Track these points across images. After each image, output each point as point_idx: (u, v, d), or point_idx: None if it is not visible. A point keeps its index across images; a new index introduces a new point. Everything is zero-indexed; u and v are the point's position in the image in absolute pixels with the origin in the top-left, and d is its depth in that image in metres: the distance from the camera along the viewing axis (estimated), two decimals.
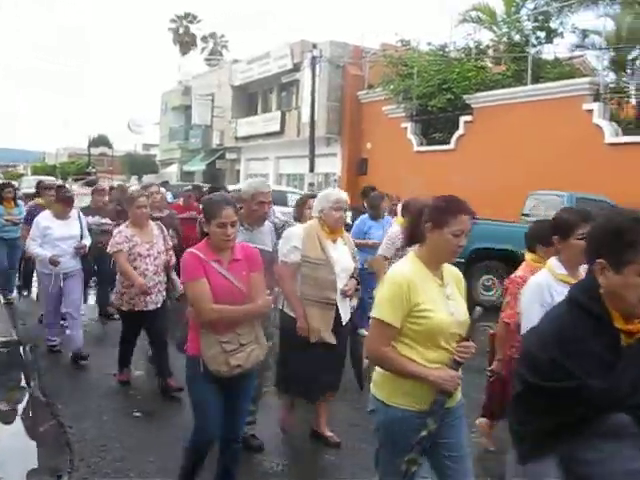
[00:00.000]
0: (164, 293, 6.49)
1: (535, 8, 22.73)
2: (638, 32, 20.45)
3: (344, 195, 5.31)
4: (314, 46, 26.44)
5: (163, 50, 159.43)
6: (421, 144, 23.66)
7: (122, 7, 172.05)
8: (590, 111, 17.63)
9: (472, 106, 21.26)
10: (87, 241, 7.65)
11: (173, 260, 6.47)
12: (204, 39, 62.07)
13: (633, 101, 19.16)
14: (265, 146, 33.02)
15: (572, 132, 17.48)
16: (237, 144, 35.79)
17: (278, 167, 33.67)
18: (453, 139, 21.95)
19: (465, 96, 21.24)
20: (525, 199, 14.55)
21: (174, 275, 6.47)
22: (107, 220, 9.15)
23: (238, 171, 37.01)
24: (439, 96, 21.82)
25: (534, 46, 22.01)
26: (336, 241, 5.16)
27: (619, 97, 19.51)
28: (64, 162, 66.91)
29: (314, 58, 25.98)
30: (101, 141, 65.41)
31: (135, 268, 6.16)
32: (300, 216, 6.55)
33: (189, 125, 40.48)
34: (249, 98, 36.52)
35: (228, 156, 37.39)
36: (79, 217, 7.69)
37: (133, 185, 15.99)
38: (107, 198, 9.97)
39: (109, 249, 6.31)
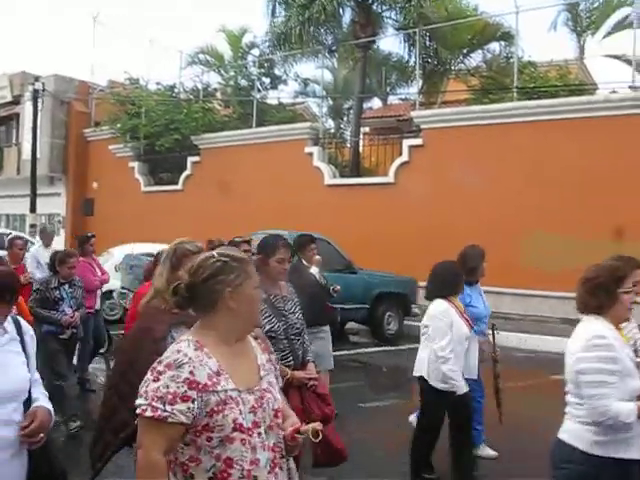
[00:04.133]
0: None
1: (261, 55, 23.54)
2: (352, 84, 22.01)
3: None
4: (36, 79, 24.92)
5: None
6: (149, 184, 23.24)
7: None
8: (311, 154, 18.52)
9: (200, 147, 21.36)
10: None
11: None
12: None
13: (348, 145, 20.46)
14: None
15: (295, 174, 18.20)
16: None
17: None
18: (181, 179, 21.84)
19: (193, 137, 21.28)
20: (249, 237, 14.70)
21: None
22: None
23: None
24: (167, 136, 21.62)
25: (259, 91, 22.76)
26: None
27: (337, 142, 20.78)
28: None
29: (36, 91, 24.46)
30: None
31: None
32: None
33: None
34: None
35: None
36: None
37: None
38: None
39: None
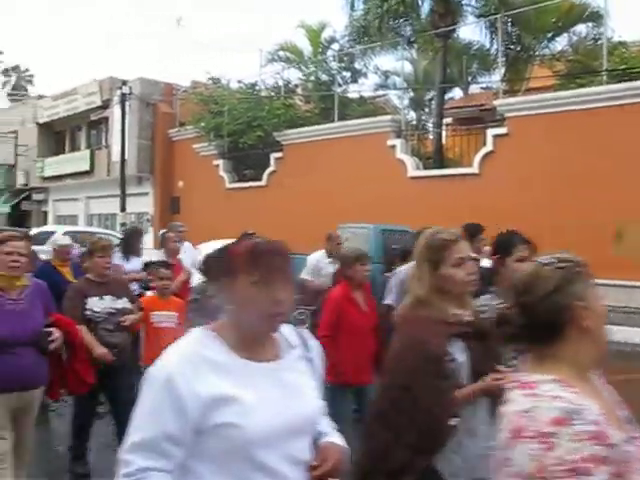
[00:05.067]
0: None
1: (341, 49, 23.61)
2: (432, 75, 21.79)
3: None
4: (124, 83, 25.75)
5: None
6: (233, 181, 23.64)
7: None
8: (393, 146, 18.44)
9: (282, 143, 21.57)
10: None
11: None
12: (6, 72, 58.89)
13: (431, 137, 20.28)
14: (74, 186, 31.56)
15: (378, 167, 18.16)
16: (44, 184, 33.97)
17: (88, 208, 32.27)
18: (264, 175, 22.11)
19: (275, 133, 21.51)
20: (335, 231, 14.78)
21: None
22: None
23: (46, 213, 35.12)
24: (250, 133, 21.94)
25: (340, 85, 22.80)
26: None
27: (419, 133, 20.62)
28: None
29: (124, 95, 25.27)
30: None
31: None
32: None
33: None
34: (56, 136, 34.85)
35: (35, 197, 35.37)
36: None
37: None
38: None
39: None
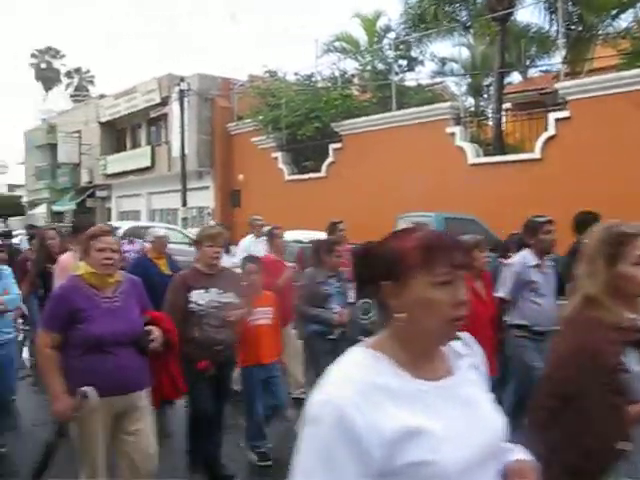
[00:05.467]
0: None
1: (396, 38, 23.46)
2: (490, 60, 21.47)
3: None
4: (182, 79, 26.15)
5: (25, 86, 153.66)
6: (292, 173, 23.77)
7: None
8: (452, 134, 18.26)
9: (340, 133, 21.58)
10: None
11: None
12: (69, 74, 60.41)
13: (491, 124, 20.01)
14: (136, 182, 32.22)
15: (437, 155, 18.04)
16: (107, 181, 34.79)
17: (150, 203, 32.92)
18: (324, 167, 22.17)
19: (333, 124, 21.54)
20: (395, 222, 14.78)
21: None
22: None
23: (109, 209, 35.95)
24: (307, 125, 22.02)
25: (397, 74, 22.67)
26: None
27: (478, 120, 20.37)
28: None
29: (182, 91, 25.68)
30: None
31: None
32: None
33: (56, 164, 39.00)
34: (117, 134, 35.63)
35: (98, 194, 36.27)
36: None
37: None
38: None
39: None
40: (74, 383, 3.62)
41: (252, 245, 9.60)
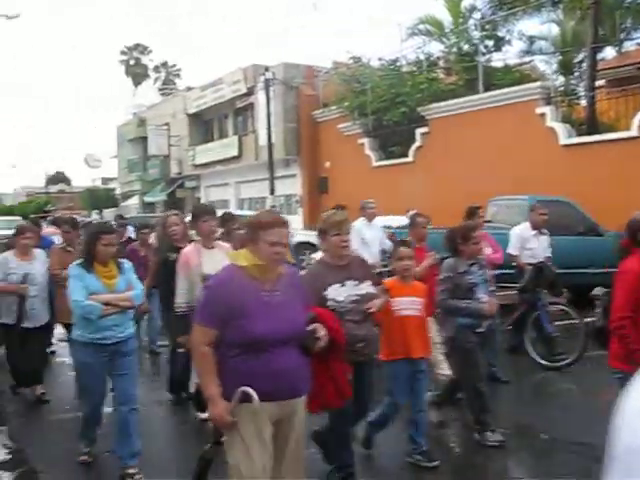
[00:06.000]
0: None
1: (482, 18, 23.02)
2: (582, 36, 20.78)
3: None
4: (266, 69, 26.49)
5: (115, 82, 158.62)
6: (380, 159, 23.72)
7: (69, 42, 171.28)
8: (543, 114, 17.82)
9: (427, 118, 21.37)
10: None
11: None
12: (156, 69, 62.08)
13: (583, 102, 19.39)
14: (224, 172, 32.87)
15: (528, 136, 17.65)
16: (196, 172, 35.61)
17: (239, 192, 33.55)
18: (411, 151, 22.01)
19: (419, 108, 21.35)
20: (486, 206, 14.57)
21: None
22: None
23: (199, 199, 36.74)
24: (394, 110, 21.93)
25: (483, 55, 22.23)
26: None
27: (569, 99, 19.78)
28: (22, 202, 65.92)
29: (267, 81, 26.00)
30: (58, 178, 64.81)
31: None
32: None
33: (147, 156, 40.20)
34: (205, 125, 36.40)
35: (188, 184, 37.23)
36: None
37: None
38: None
39: None
40: (230, 386, 3.26)
41: (364, 229, 9.49)
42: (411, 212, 8.44)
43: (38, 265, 7.01)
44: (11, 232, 7.44)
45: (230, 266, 3.49)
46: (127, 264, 5.34)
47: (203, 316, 3.40)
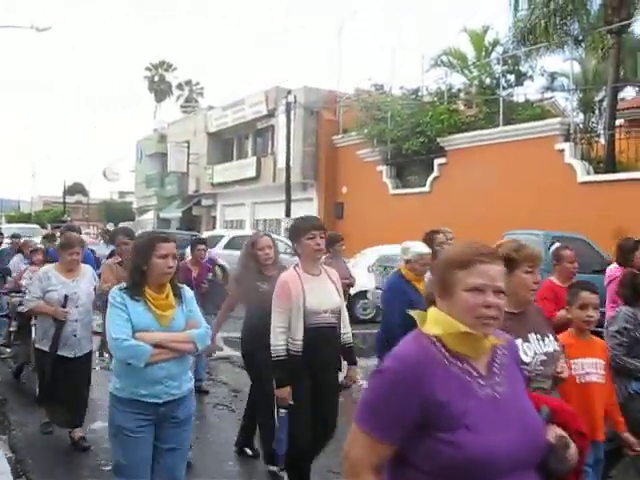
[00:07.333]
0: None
1: (505, 52, 23.18)
2: (602, 74, 20.92)
3: None
4: (289, 92, 26.73)
5: (138, 98, 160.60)
6: (396, 187, 23.82)
7: (95, 56, 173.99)
8: (562, 151, 17.90)
9: (446, 148, 21.49)
10: None
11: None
12: (179, 87, 62.82)
13: (602, 140, 19.45)
14: (241, 192, 33.04)
15: (545, 172, 17.71)
16: (213, 190, 35.81)
17: (254, 213, 33.68)
18: (428, 181, 22.12)
19: (439, 139, 21.48)
20: (501, 239, 14.57)
21: None
22: None
23: (214, 217, 36.98)
24: (413, 139, 22.05)
25: (505, 89, 22.41)
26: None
27: (589, 137, 19.85)
28: (39, 210, 66.53)
29: (289, 104, 26.21)
30: (76, 189, 65.39)
31: None
32: None
33: (165, 172, 40.46)
34: (225, 144, 36.65)
35: (204, 202, 37.40)
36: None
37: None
38: None
39: None
40: None
41: None
42: (555, 244, 7.09)
43: (84, 284, 6.00)
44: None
45: (420, 335, 2.09)
46: (188, 292, 3.95)
47: (370, 421, 1.99)
